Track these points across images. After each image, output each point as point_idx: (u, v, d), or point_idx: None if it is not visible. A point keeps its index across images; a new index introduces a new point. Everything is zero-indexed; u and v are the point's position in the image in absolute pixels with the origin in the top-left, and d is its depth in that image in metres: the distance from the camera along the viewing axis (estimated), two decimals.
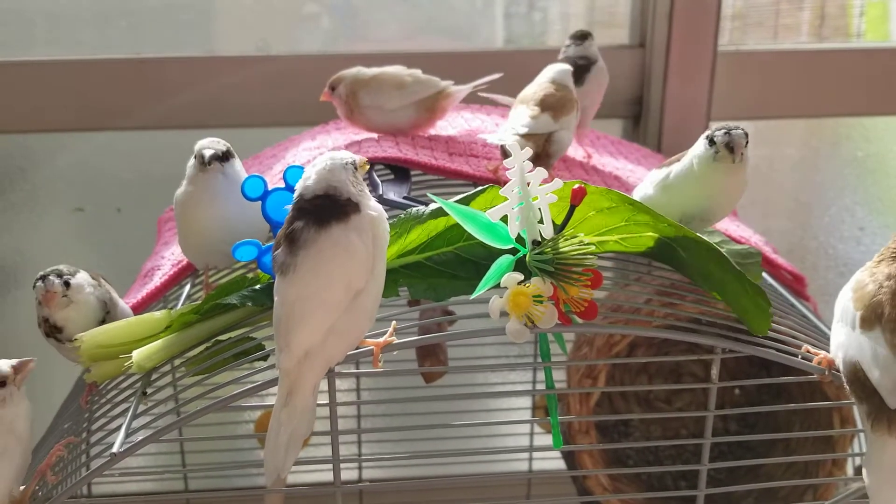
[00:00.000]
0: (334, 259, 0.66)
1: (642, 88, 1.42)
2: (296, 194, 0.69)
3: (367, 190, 0.70)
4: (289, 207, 0.69)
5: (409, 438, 1.34)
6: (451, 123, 1.17)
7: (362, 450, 1.37)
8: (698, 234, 0.74)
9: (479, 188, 0.75)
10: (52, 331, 0.84)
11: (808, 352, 0.77)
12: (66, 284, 0.83)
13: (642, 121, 1.42)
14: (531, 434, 1.40)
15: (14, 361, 0.75)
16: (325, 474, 0.77)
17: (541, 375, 1.35)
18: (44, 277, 0.83)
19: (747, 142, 0.84)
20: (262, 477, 1.39)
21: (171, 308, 0.85)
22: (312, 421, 0.68)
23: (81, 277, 0.85)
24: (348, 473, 1.37)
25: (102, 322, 0.85)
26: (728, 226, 1.09)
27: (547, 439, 1.41)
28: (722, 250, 0.75)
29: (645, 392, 1.31)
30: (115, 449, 0.69)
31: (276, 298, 0.68)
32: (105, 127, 1.39)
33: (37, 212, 1.45)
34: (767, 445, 1.23)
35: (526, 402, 1.43)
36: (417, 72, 1.10)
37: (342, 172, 0.68)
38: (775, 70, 1.43)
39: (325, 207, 0.67)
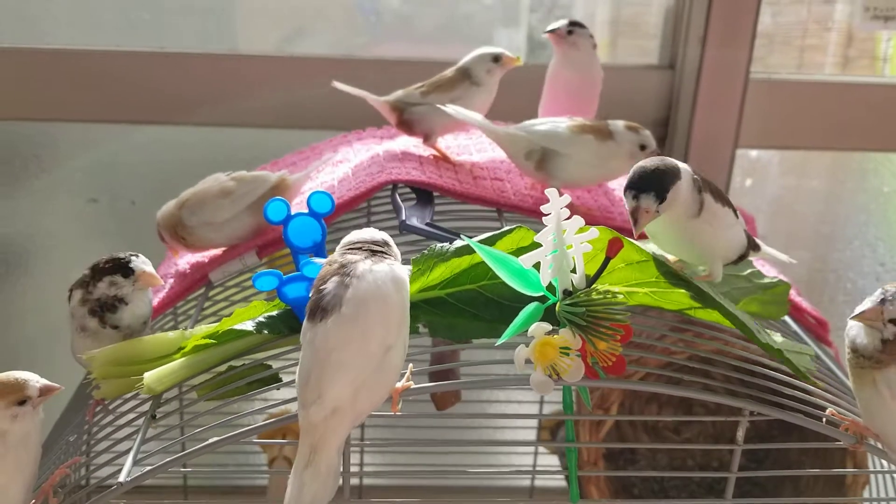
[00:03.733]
0: (374, 310, 0.64)
1: (669, 111, 1.40)
2: (347, 243, 0.70)
3: None
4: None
5: (413, 451, 1.33)
6: (476, 145, 1.15)
7: (364, 459, 1.36)
8: (716, 299, 0.73)
9: (506, 228, 0.74)
10: (109, 309, 0.82)
11: (834, 415, 0.75)
12: None
13: (667, 144, 1.40)
14: (535, 454, 1.39)
15: (43, 383, 0.73)
16: None
17: (547, 397, 1.34)
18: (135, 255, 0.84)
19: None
20: (262, 479, 1.40)
21: (184, 324, 0.84)
22: (336, 482, 0.65)
23: None
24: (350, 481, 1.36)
25: (145, 322, 0.84)
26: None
27: (550, 459, 1.40)
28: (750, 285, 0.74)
29: (653, 421, 1.30)
30: (121, 478, 0.67)
31: (306, 347, 0.65)
32: (124, 119, 1.37)
33: (51, 200, 1.43)
34: (776, 483, 1.21)
35: (532, 419, 1.42)
36: (242, 173, 1.02)
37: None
38: (805, 100, 1.41)
39: (376, 250, 0.69)
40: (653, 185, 0.71)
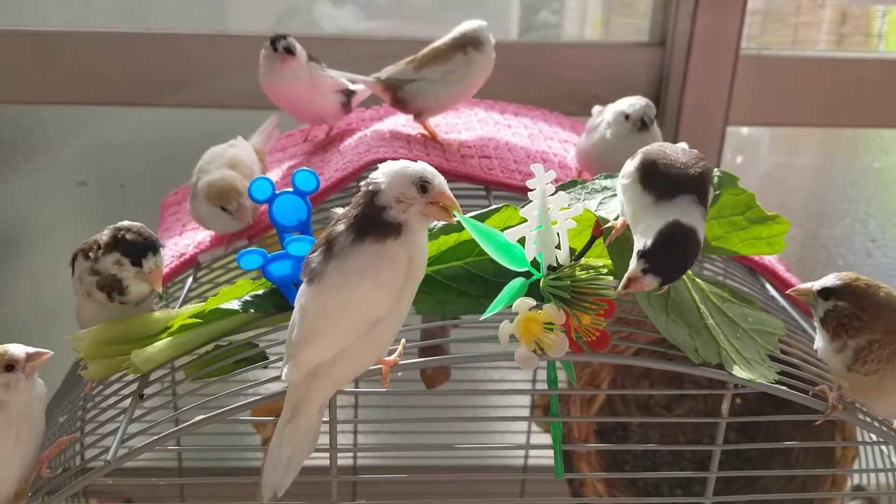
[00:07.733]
0: (359, 284, 0.64)
1: (660, 88, 1.40)
2: (364, 190, 0.66)
3: (423, 220, 0.66)
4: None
5: (406, 431, 1.33)
6: (465, 124, 1.15)
7: (358, 439, 1.36)
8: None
9: (494, 207, 0.74)
10: (114, 290, 0.80)
11: (824, 392, 0.75)
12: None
13: (658, 121, 1.39)
14: (528, 432, 1.39)
15: (30, 349, 0.72)
16: (320, 460, 0.75)
17: (540, 374, 1.34)
18: (154, 249, 0.79)
19: None
20: (255, 461, 1.40)
21: (172, 305, 0.84)
22: (315, 442, 0.67)
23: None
24: (342, 461, 1.36)
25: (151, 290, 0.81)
26: None
27: (543, 438, 1.41)
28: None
29: (645, 398, 1.30)
30: (108, 457, 0.67)
31: (296, 305, 0.66)
32: (114, 102, 1.37)
33: (41, 183, 1.43)
34: (766, 458, 1.22)
35: (525, 397, 1.42)
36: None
37: (408, 188, 0.65)
38: (796, 77, 1.41)
39: (368, 218, 0.65)
40: (665, 274, 0.65)
